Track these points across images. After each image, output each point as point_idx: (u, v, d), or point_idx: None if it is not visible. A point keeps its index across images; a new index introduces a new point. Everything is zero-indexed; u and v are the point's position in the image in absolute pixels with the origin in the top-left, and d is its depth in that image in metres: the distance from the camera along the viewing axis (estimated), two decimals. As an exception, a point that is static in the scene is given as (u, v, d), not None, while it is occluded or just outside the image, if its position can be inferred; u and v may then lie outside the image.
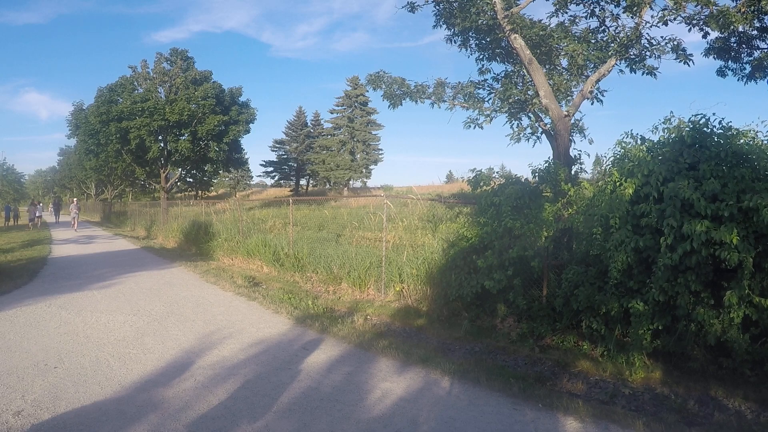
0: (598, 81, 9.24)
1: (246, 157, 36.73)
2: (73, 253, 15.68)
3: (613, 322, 5.13)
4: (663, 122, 5.13)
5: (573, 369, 5.00)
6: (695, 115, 4.89)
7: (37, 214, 29.50)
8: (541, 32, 9.45)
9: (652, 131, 5.20)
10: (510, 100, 9.84)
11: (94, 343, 5.76)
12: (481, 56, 10.68)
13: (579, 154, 9.18)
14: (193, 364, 5.08)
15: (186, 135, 28.16)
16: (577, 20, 9.70)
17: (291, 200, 14.14)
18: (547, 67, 10.21)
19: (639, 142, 5.30)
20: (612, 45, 9.01)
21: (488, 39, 10.04)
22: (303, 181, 65.29)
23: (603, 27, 9.52)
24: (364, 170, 58.82)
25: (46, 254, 15.10)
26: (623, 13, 8.93)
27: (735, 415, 3.98)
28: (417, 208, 11.37)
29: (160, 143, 28.31)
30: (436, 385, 4.58)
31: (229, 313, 7.40)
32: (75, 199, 34.21)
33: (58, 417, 3.80)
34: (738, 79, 10.47)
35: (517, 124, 10.60)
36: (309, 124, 64.57)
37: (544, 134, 10.23)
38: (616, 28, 9.27)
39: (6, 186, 67.33)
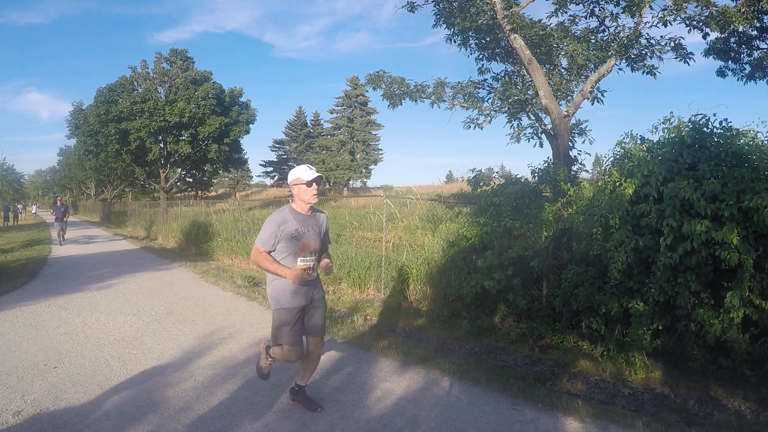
0: (598, 81, 9.26)
1: (246, 157, 36.81)
2: (72, 253, 15.68)
3: (613, 322, 5.12)
4: (663, 122, 5.12)
5: (573, 369, 5.00)
6: (695, 115, 4.88)
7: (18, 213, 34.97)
8: (541, 32, 9.46)
9: (652, 131, 5.20)
10: (510, 100, 9.85)
11: (94, 343, 5.76)
12: (481, 56, 10.69)
13: (579, 154, 9.20)
14: (193, 364, 5.07)
15: (186, 136, 28.15)
16: (577, 20, 9.71)
17: (291, 200, 14.10)
18: (547, 67, 10.22)
19: (639, 142, 5.30)
20: (612, 45, 9.02)
21: (488, 39, 10.05)
22: (303, 181, 65.17)
23: (603, 27, 9.53)
24: (363, 170, 58.85)
25: (46, 254, 15.10)
26: (623, 13, 8.95)
27: (735, 415, 3.98)
28: (417, 208, 11.37)
29: (160, 144, 28.29)
30: (436, 385, 4.58)
31: (228, 313, 7.40)
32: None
33: (58, 417, 3.79)
34: (738, 79, 10.50)
35: (517, 124, 10.61)
36: (309, 124, 64.63)
37: (544, 134, 10.24)
38: (616, 27, 9.28)
39: (6, 186, 67.36)
